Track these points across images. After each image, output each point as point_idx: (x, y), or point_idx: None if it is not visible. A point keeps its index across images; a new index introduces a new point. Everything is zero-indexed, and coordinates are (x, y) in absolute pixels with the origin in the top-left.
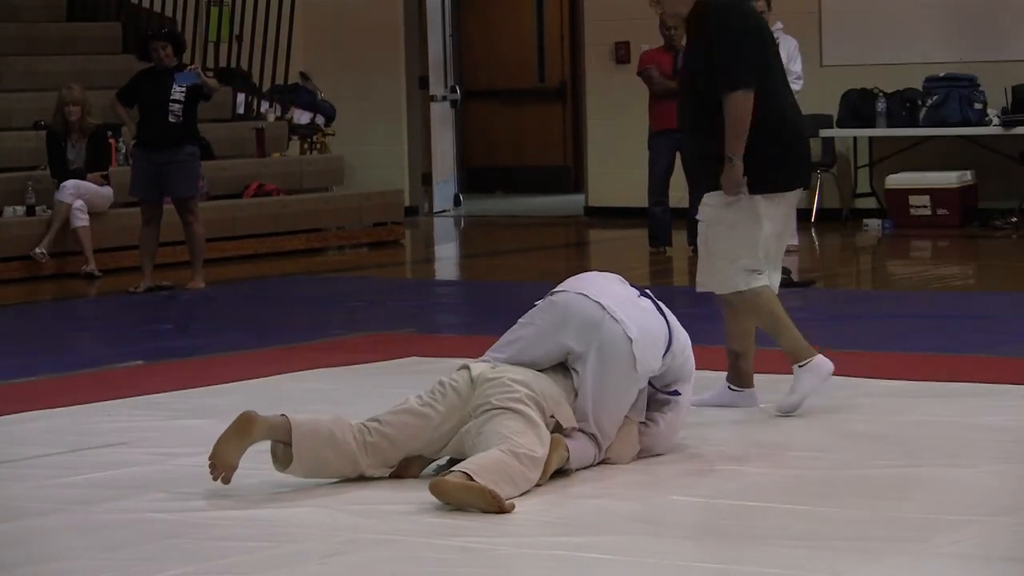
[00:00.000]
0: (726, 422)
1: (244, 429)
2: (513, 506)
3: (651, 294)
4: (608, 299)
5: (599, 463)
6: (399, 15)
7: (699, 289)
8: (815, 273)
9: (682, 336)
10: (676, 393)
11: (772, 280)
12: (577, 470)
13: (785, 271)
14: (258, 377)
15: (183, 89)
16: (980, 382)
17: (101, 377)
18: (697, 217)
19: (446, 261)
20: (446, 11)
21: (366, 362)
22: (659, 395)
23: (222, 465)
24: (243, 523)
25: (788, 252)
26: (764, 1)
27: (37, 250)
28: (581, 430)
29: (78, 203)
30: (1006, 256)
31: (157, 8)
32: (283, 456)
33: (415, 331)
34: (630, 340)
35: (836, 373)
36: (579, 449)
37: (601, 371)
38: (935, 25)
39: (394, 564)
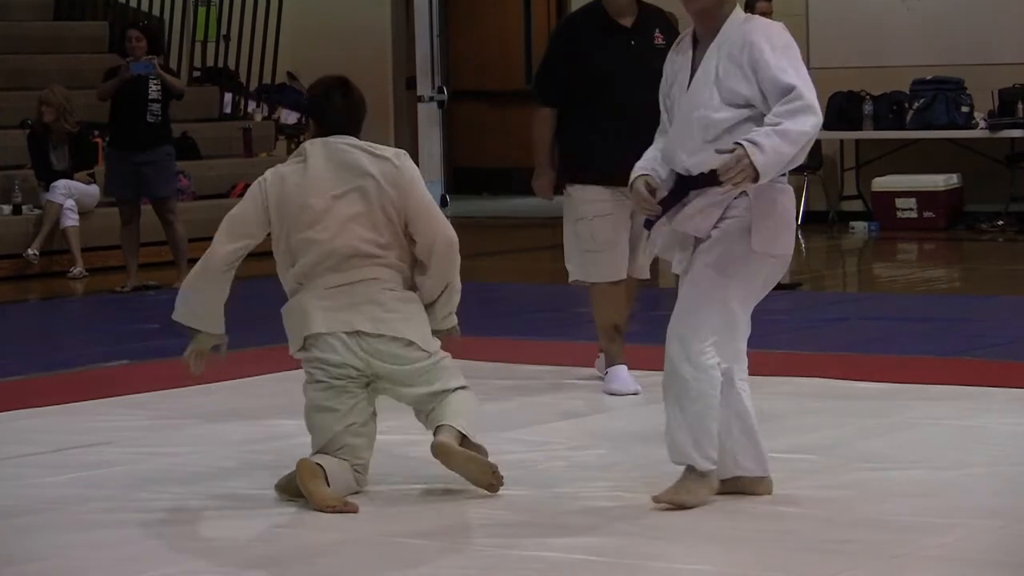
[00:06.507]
0: None
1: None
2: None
3: None
4: None
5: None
6: (386, 15)
7: (646, 276)
8: (801, 276)
9: None
10: None
11: None
12: None
13: None
14: (247, 376)
15: (159, 88)
16: (966, 385)
17: (87, 376)
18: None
19: None
20: (433, 12)
21: None
22: None
23: (341, 502)
24: (237, 523)
25: None
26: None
27: (29, 251)
28: None
29: (68, 202)
30: (992, 259)
31: (144, 7)
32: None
33: None
34: None
35: (822, 375)
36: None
37: None
38: (922, 28)
39: (394, 564)
